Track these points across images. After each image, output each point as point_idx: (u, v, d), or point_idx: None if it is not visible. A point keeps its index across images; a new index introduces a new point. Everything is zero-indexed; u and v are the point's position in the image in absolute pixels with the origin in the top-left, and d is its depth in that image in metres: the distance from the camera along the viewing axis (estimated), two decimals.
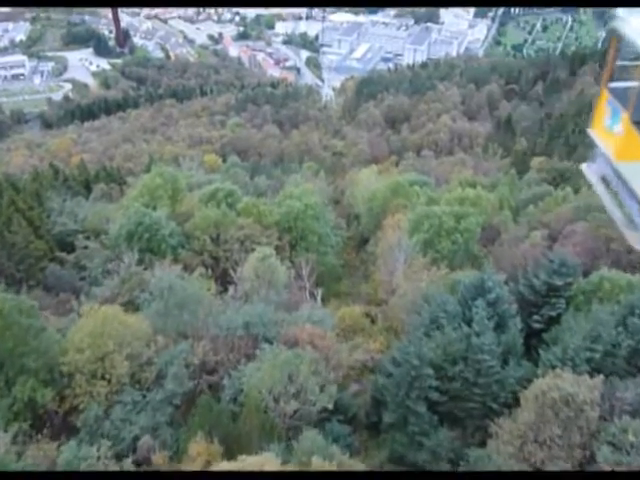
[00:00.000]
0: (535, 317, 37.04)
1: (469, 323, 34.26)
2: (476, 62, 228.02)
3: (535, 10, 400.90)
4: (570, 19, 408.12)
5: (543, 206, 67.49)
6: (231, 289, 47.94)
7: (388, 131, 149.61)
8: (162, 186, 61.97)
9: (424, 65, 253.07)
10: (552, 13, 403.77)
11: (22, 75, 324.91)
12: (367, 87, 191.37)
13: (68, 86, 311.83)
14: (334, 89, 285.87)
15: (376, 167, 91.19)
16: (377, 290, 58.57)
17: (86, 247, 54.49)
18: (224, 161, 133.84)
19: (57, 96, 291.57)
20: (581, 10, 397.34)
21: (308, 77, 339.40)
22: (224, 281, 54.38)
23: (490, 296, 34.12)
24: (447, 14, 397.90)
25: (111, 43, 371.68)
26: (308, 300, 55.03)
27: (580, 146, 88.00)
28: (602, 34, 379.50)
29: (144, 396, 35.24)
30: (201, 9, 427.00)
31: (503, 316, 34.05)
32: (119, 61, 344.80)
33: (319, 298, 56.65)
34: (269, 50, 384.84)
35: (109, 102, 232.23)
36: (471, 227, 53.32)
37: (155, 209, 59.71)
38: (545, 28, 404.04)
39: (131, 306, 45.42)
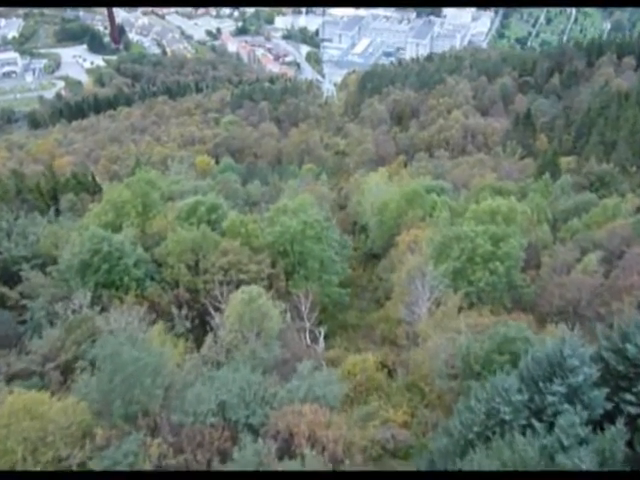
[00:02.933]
0: (627, 396, 25.97)
1: (539, 414, 23.47)
2: (485, 54, 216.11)
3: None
4: (574, 11, 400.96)
5: (588, 219, 56.42)
6: (209, 339, 37.01)
7: (395, 128, 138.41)
8: (130, 201, 51.16)
9: (429, 58, 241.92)
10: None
11: (14, 73, 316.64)
12: (371, 81, 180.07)
13: (61, 84, 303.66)
14: (335, 84, 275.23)
15: (386, 171, 79.92)
16: (393, 328, 47.82)
17: (29, 280, 43.58)
18: (217, 162, 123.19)
19: (49, 94, 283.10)
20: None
21: (308, 72, 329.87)
22: (203, 321, 43.63)
23: (574, 380, 23.19)
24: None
25: (106, 39, 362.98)
26: (309, 346, 44.26)
27: (620, 144, 76.97)
28: (607, 25, 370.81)
29: None
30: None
31: (594, 409, 23.13)
32: (114, 58, 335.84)
33: (322, 340, 45.89)
34: (268, 45, 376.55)
35: (100, 100, 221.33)
36: (513, 252, 42.26)
37: (121, 228, 49.04)
38: (549, 20, 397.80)
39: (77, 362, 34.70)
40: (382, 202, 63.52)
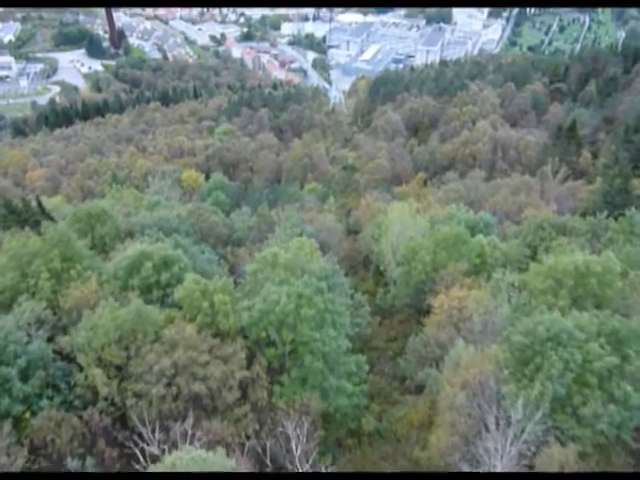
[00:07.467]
0: None
1: None
2: (510, 58, 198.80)
3: (551, 10, 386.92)
4: (588, 19, 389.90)
5: None
6: None
7: (412, 140, 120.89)
8: (41, 253, 33.99)
9: (444, 63, 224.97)
10: (569, 13, 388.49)
11: (8, 77, 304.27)
12: (384, 87, 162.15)
13: (56, 89, 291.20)
14: (343, 92, 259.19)
15: (412, 200, 62.33)
16: (435, 460, 30.43)
17: None
18: (207, 177, 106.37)
19: (44, 100, 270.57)
20: (599, 9, 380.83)
21: (315, 79, 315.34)
22: (131, 466, 26.39)
23: None
24: (460, 14, 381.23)
25: (105, 44, 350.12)
26: None
27: None
28: (622, 34, 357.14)
29: None
30: (205, 9, 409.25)
31: None
32: (112, 63, 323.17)
33: None
34: (274, 52, 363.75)
35: (89, 106, 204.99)
36: None
37: (17, 301, 31.85)
38: (562, 28, 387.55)
39: None
40: (409, 248, 46.09)
